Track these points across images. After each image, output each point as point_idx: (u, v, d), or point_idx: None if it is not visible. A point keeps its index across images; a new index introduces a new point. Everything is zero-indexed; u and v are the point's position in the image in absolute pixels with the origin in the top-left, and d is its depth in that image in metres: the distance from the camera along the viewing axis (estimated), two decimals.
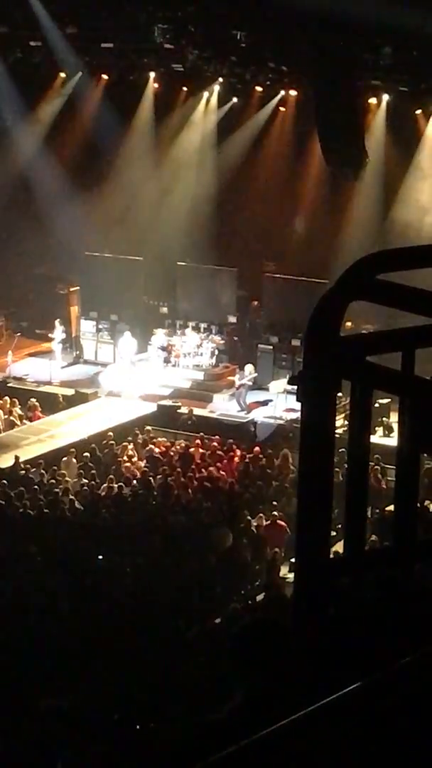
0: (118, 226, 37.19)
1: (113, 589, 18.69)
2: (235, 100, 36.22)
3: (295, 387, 5.45)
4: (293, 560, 17.92)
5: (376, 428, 27.64)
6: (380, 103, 33.28)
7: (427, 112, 33.34)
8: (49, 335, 35.33)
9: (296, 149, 35.63)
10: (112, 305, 36.19)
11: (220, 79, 35.19)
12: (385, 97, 33.06)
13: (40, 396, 31.27)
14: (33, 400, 30.58)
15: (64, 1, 32.35)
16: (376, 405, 26.88)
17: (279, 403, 30.67)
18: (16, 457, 25.80)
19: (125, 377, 33.19)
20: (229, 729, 4.20)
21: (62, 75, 36.83)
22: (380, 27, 27.57)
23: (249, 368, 31.82)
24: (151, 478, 24.77)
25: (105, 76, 36.59)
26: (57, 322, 35.18)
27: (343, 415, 20.47)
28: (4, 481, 23.99)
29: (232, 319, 35.92)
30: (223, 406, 31.88)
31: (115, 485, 24.19)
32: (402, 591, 5.30)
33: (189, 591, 18.77)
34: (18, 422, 29.37)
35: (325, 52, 28.58)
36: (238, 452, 26.91)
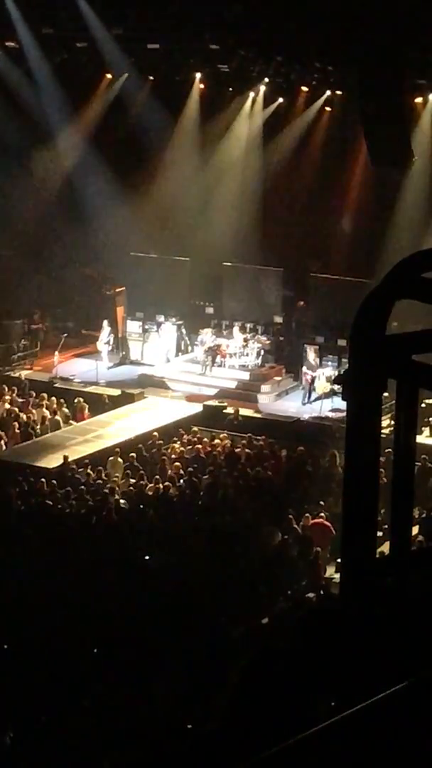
0: (163, 226, 37.26)
1: (160, 588, 18.70)
2: (280, 100, 36.17)
3: (341, 387, 5.45)
4: (339, 560, 17.88)
5: (423, 428, 27.55)
6: (426, 102, 33.14)
7: None
8: (96, 335, 35.45)
9: (342, 149, 35.50)
10: (158, 306, 36.28)
11: (266, 80, 35.13)
12: None
13: (86, 396, 31.34)
14: (80, 399, 30.66)
15: (110, 2, 32.31)
16: (423, 405, 26.83)
17: (325, 403, 30.65)
18: (65, 457, 25.83)
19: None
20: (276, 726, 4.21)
21: (108, 76, 36.92)
22: (427, 25, 27.42)
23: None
24: (197, 478, 24.79)
25: (151, 77, 36.68)
26: (104, 323, 35.29)
27: (389, 415, 20.43)
28: (53, 481, 24.06)
29: (278, 319, 35.89)
30: (269, 407, 31.87)
31: (161, 485, 24.22)
32: None
33: (235, 590, 18.75)
34: (64, 422, 29.44)
35: (370, 51, 28.45)
36: (284, 452, 26.86)
